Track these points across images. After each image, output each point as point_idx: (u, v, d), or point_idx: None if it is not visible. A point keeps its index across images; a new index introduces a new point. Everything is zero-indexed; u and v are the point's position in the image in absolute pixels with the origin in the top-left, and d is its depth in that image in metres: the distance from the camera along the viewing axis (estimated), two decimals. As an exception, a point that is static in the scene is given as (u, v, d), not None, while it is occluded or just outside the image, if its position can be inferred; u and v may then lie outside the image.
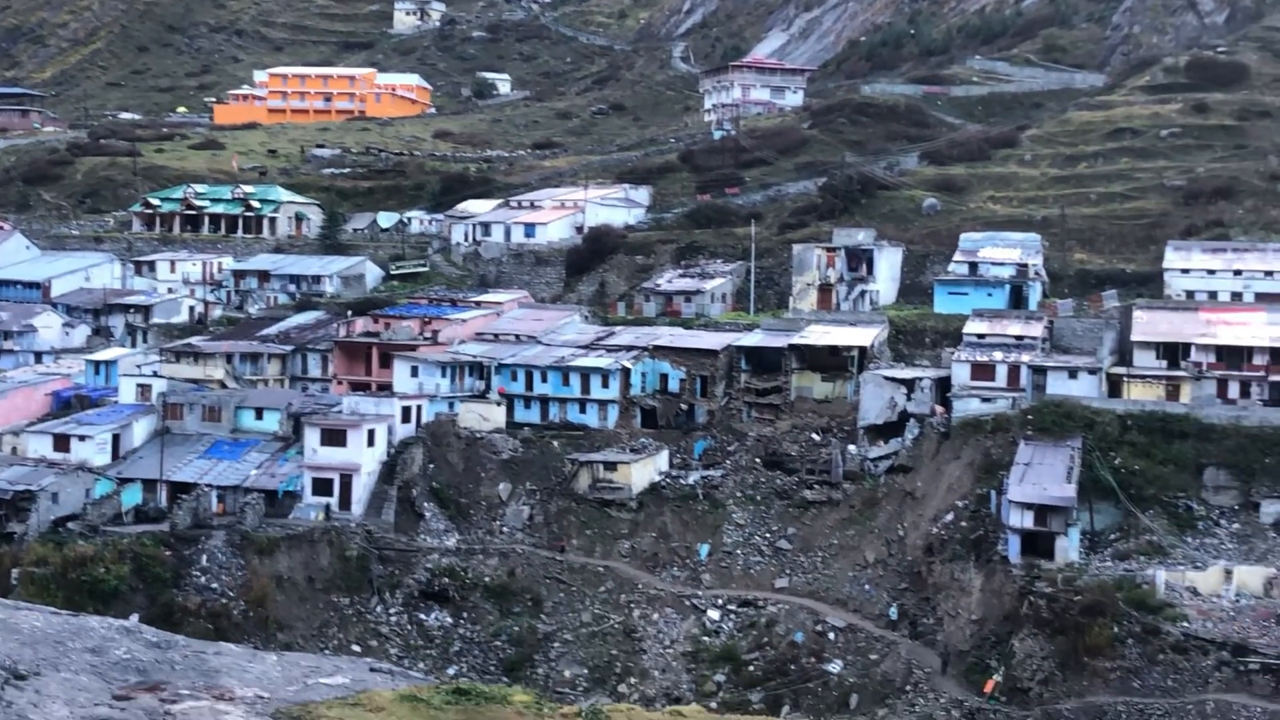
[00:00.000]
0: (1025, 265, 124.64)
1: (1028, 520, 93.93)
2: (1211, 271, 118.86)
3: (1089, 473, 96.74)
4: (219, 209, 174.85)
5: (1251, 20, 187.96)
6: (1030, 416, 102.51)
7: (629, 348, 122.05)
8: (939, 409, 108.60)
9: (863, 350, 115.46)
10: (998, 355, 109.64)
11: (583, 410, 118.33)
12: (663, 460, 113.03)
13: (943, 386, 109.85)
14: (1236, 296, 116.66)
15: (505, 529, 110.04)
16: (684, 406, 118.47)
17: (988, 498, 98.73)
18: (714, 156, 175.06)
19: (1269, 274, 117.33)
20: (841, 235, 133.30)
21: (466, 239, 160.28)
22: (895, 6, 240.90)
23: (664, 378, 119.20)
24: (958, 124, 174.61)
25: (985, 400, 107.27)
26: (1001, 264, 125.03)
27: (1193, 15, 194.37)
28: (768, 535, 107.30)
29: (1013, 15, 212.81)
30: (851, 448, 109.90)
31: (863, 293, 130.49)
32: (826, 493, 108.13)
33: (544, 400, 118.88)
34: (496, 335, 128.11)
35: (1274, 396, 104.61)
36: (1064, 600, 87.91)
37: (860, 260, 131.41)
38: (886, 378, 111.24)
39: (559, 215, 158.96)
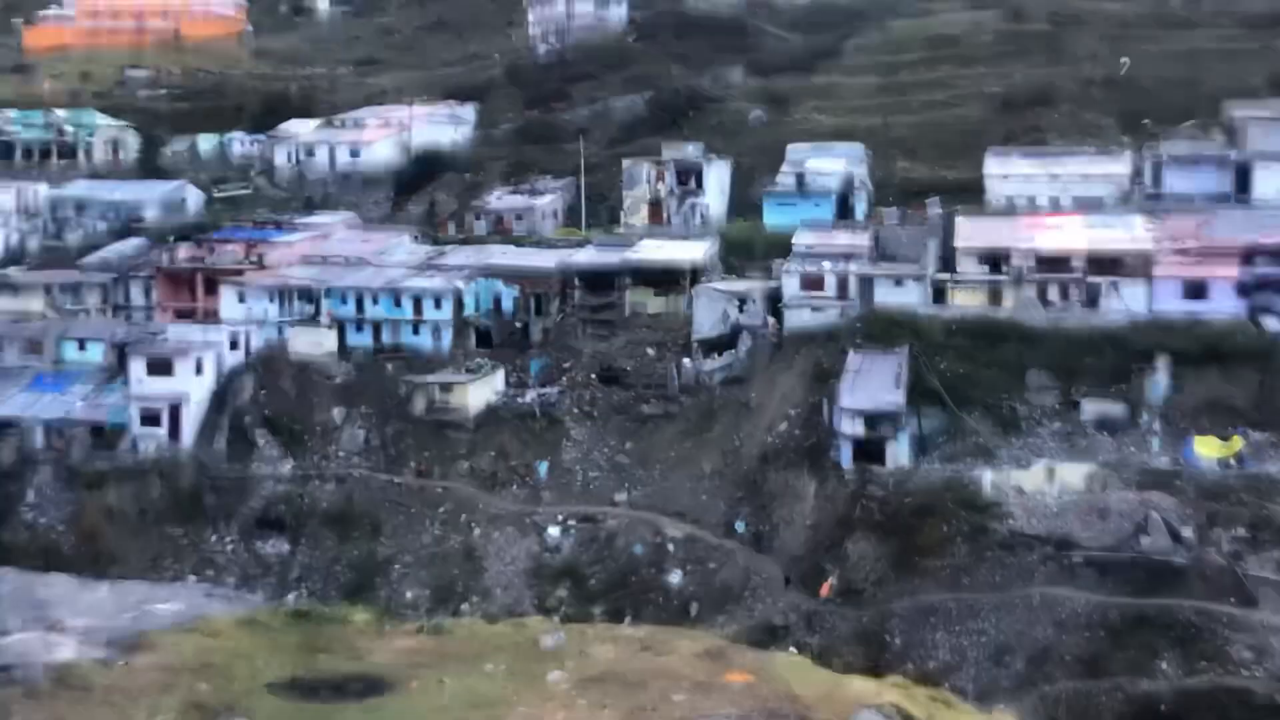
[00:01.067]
0: (851, 176, 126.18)
1: (859, 427, 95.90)
2: (1030, 177, 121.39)
3: (917, 378, 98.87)
4: (31, 135, 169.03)
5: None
6: (859, 325, 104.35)
7: (461, 268, 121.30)
8: (771, 321, 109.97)
9: (694, 265, 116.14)
10: (826, 265, 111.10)
11: (416, 332, 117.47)
12: (499, 380, 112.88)
13: (774, 298, 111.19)
14: (1054, 201, 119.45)
15: (341, 454, 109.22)
16: (519, 325, 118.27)
17: (820, 406, 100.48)
18: (540, 72, 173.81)
19: (1085, 178, 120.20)
20: (670, 150, 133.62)
21: (290, 161, 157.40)
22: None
23: (498, 297, 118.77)
24: (782, 36, 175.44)
25: (815, 311, 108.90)
26: (828, 175, 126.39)
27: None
28: (606, 451, 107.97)
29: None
30: (686, 361, 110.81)
31: (693, 207, 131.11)
32: (663, 407, 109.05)
33: (376, 324, 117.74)
34: (325, 258, 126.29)
35: (1091, 298, 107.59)
36: (895, 503, 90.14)
37: (690, 175, 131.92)
38: (719, 291, 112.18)
39: (384, 134, 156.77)
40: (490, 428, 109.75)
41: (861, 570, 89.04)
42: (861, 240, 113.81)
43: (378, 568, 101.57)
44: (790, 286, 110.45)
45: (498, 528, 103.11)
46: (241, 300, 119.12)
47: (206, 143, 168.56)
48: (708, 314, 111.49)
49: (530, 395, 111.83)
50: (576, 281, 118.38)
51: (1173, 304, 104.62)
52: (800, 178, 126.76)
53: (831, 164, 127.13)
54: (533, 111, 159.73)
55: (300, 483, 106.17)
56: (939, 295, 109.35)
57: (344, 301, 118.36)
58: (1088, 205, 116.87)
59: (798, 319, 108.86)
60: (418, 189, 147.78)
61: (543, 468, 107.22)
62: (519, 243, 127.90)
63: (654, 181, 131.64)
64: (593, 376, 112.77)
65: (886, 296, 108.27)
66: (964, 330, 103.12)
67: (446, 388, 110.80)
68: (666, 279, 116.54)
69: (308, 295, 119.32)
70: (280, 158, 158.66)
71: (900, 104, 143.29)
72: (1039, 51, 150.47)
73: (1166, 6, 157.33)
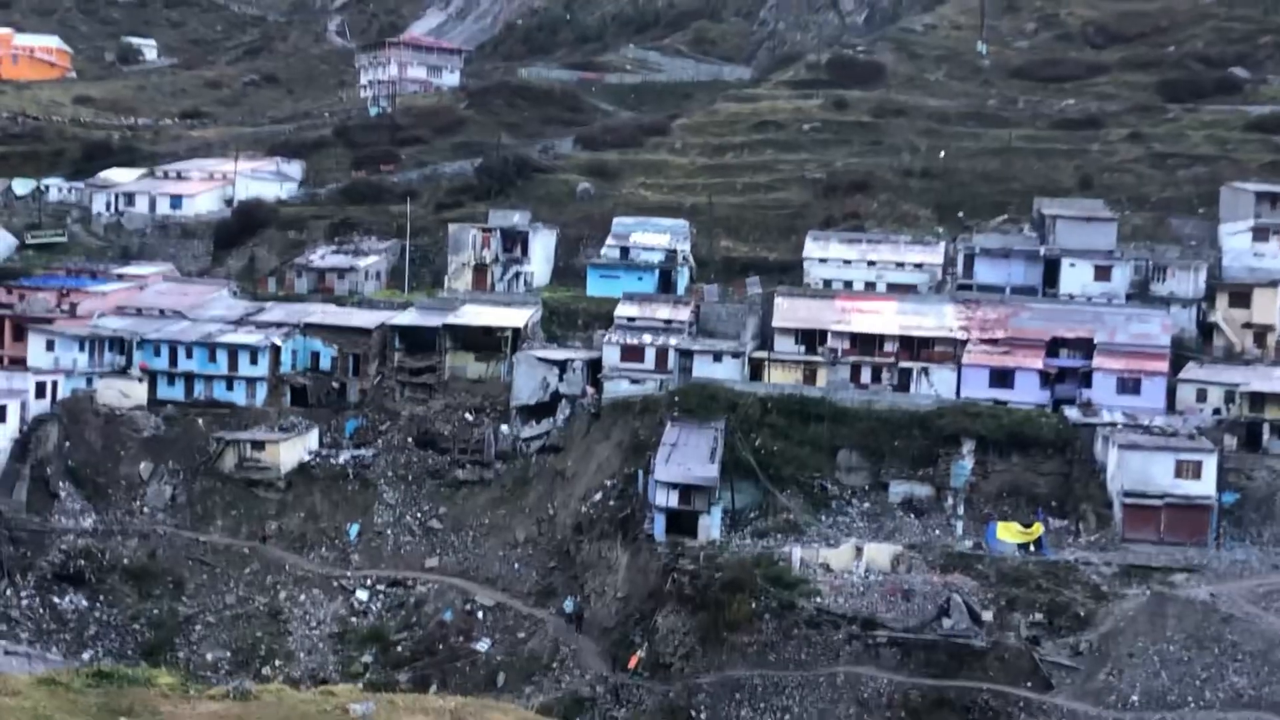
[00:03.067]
0: (674, 251, 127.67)
1: (673, 499, 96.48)
2: (848, 261, 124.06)
3: (731, 453, 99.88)
4: None
5: (889, 22, 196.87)
6: (677, 398, 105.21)
7: (280, 324, 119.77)
8: (590, 390, 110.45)
9: (516, 331, 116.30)
10: (647, 338, 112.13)
11: (230, 388, 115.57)
12: (312, 439, 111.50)
13: (594, 368, 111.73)
14: (870, 286, 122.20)
15: (146, 509, 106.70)
16: (336, 385, 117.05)
17: (635, 477, 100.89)
18: (370, 133, 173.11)
19: (900, 265, 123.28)
20: (497, 216, 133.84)
21: (109, 209, 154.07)
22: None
23: (315, 355, 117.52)
24: (612, 110, 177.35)
25: (634, 382, 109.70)
26: (652, 249, 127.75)
27: (834, 14, 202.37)
28: (419, 515, 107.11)
29: (665, 7, 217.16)
30: (504, 427, 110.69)
31: (517, 274, 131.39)
32: (479, 472, 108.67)
33: (189, 377, 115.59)
34: (140, 310, 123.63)
35: (903, 382, 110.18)
36: (705, 577, 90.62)
37: (515, 241, 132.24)
38: (539, 358, 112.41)
39: (207, 187, 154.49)
40: (301, 487, 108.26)
41: (670, 643, 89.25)
42: (682, 314, 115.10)
43: (178, 627, 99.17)
44: (611, 357, 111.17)
45: (304, 590, 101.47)
46: (50, 348, 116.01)
47: (22, 187, 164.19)
48: (528, 381, 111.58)
49: (344, 456, 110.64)
50: (397, 342, 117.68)
51: (980, 391, 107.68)
52: (625, 250, 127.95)
53: (656, 238, 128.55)
54: (361, 171, 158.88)
55: (102, 537, 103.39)
56: (756, 372, 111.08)
57: (157, 353, 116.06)
58: (902, 291, 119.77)
59: (617, 389, 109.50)
60: (239, 243, 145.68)
61: (353, 530, 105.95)
62: (340, 302, 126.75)
63: (480, 247, 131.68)
64: (409, 439, 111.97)
65: (705, 371, 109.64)
66: (779, 407, 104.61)
67: (258, 445, 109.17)
68: (488, 344, 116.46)
69: (120, 346, 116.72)
70: (99, 205, 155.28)
71: (725, 184, 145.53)
72: (861, 140, 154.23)
73: (983, 104, 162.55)
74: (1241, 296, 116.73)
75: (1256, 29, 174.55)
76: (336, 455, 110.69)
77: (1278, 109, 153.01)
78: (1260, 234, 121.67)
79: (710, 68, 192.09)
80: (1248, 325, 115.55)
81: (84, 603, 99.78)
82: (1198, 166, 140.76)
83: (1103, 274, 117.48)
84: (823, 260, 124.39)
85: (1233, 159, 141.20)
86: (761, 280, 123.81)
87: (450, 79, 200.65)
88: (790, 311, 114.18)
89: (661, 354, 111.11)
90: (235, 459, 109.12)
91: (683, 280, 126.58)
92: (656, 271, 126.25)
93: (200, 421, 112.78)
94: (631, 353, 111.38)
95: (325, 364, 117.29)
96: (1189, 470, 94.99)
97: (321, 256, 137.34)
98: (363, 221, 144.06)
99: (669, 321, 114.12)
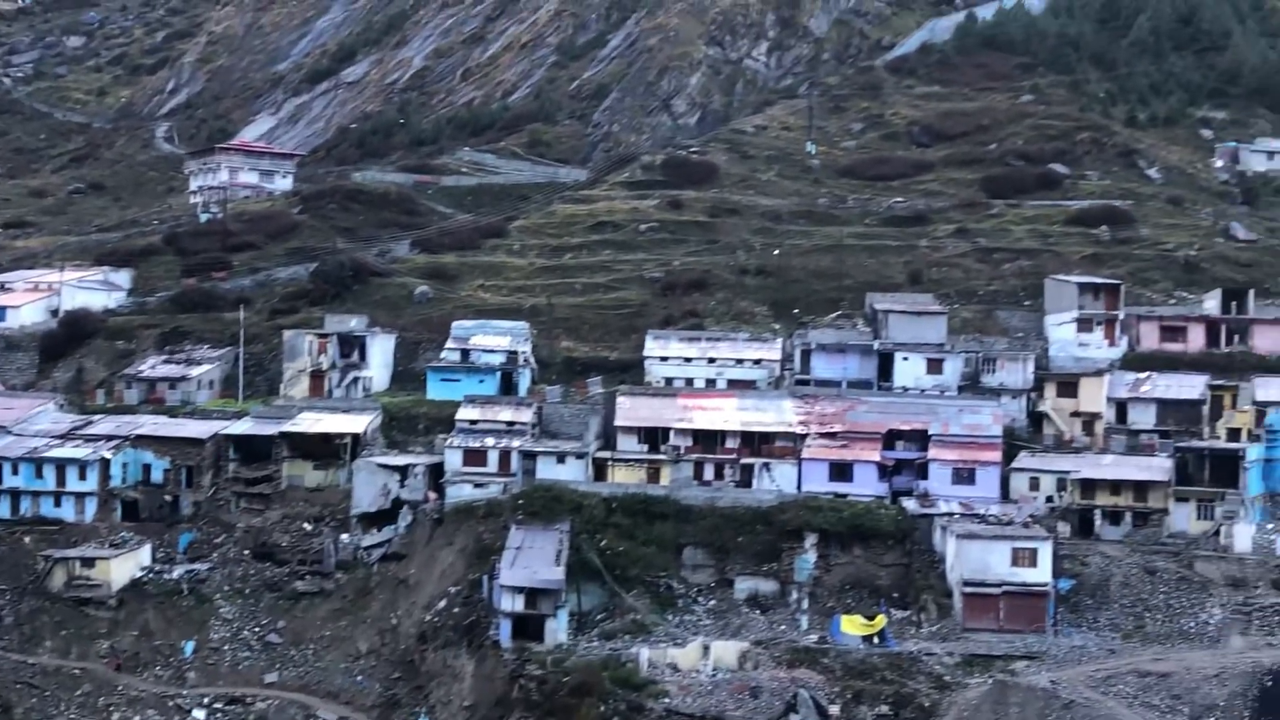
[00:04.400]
0: (515, 353, 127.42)
1: (518, 604, 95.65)
2: (688, 359, 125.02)
3: (577, 555, 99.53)
4: None
5: (720, 123, 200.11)
6: (521, 501, 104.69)
7: (109, 437, 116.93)
8: (432, 495, 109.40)
9: (355, 437, 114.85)
10: (489, 441, 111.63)
11: (58, 504, 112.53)
12: (145, 555, 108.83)
13: (436, 473, 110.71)
14: (711, 383, 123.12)
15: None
16: (168, 498, 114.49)
17: (480, 583, 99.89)
18: (201, 240, 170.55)
19: (739, 361, 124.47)
20: (334, 321, 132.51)
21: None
22: (385, 95, 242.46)
23: (147, 468, 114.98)
24: (448, 213, 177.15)
25: (478, 486, 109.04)
26: (492, 351, 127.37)
27: (667, 116, 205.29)
28: (257, 629, 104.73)
29: (500, 110, 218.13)
30: (344, 536, 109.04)
31: (356, 379, 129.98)
32: (318, 583, 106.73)
33: (15, 494, 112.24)
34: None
35: (745, 478, 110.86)
36: (553, 682, 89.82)
37: (353, 346, 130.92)
38: (380, 465, 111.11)
39: (32, 298, 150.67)
40: (134, 605, 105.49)
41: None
42: (525, 416, 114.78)
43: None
44: (453, 461, 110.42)
45: (138, 711, 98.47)
46: None
47: None
48: (368, 488, 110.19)
49: (178, 571, 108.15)
50: (232, 453, 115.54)
51: (820, 484, 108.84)
52: (465, 353, 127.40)
53: (496, 340, 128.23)
54: (191, 279, 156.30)
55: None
56: (600, 472, 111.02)
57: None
58: (742, 387, 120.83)
59: (460, 494, 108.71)
60: (66, 355, 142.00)
61: (189, 647, 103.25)
62: (172, 412, 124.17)
63: (316, 353, 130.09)
64: (245, 551, 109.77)
65: (549, 472, 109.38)
66: (624, 507, 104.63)
67: (88, 562, 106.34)
68: (326, 451, 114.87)
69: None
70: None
71: (564, 284, 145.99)
72: (697, 240, 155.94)
73: (814, 202, 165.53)
74: (1069, 386, 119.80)
75: (1073, 127, 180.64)
76: (170, 570, 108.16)
77: (1096, 203, 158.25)
78: (1084, 325, 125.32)
79: (546, 169, 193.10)
80: (1076, 414, 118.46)
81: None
82: (1022, 260, 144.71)
83: (935, 366, 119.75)
84: (663, 359, 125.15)
85: (1055, 252, 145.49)
86: (603, 380, 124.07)
87: (283, 184, 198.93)
88: (632, 410, 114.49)
89: (504, 457, 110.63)
90: (65, 577, 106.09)
91: (524, 382, 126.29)
92: (497, 374, 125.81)
93: (27, 539, 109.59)
94: (474, 456, 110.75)
95: (157, 477, 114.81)
96: (1025, 558, 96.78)
97: (152, 366, 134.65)
98: (194, 330, 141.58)
99: (511, 424, 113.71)
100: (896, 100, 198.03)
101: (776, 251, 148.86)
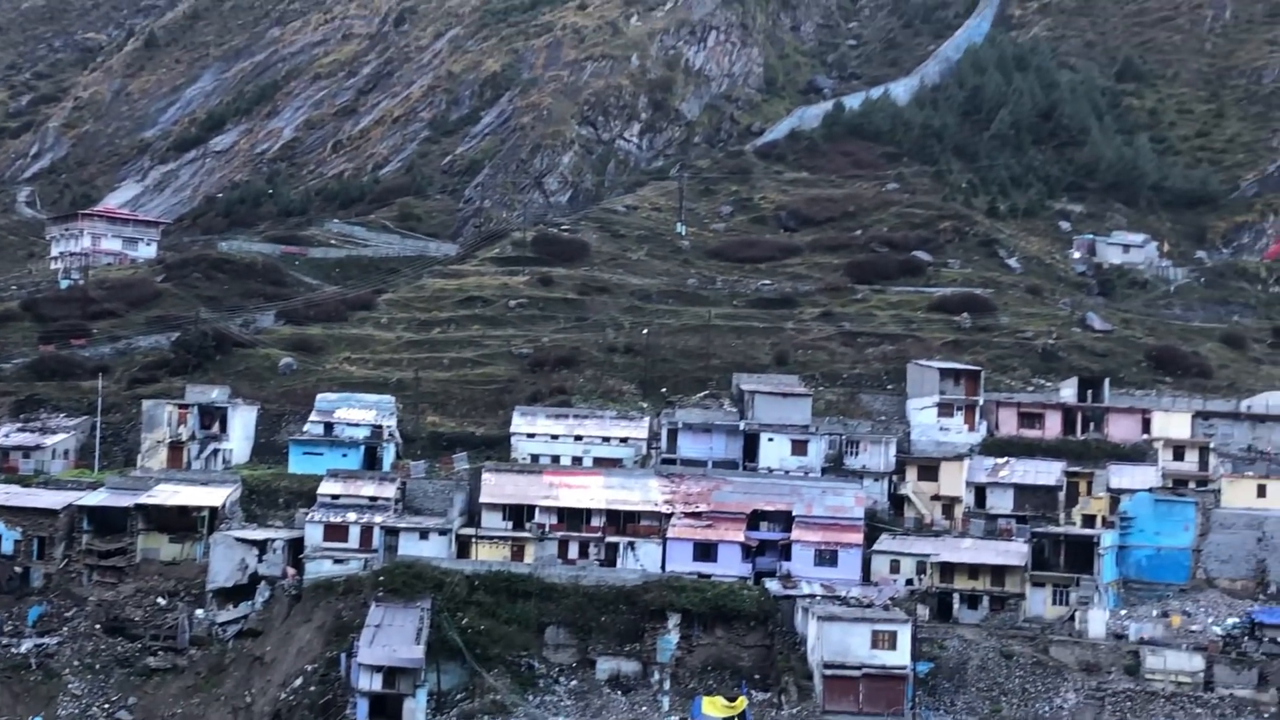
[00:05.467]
0: (380, 427, 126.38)
1: (377, 683, 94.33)
2: (555, 436, 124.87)
3: (438, 633, 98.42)
4: None
5: (592, 202, 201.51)
6: (382, 578, 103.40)
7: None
8: (291, 571, 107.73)
9: (214, 510, 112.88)
10: (351, 516, 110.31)
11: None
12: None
13: (295, 548, 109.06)
14: (577, 460, 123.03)
15: None
16: (18, 569, 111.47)
17: (338, 661, 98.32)
18: (60, 306, 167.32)
19: (606, 440, 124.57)
20: (195, 392, 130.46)
21: None
22: (254, 165, 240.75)
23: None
24: (316, 285, 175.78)
25: (338, 562, 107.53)
26: (357, 425, 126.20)
27: (539, 194, 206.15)
28: (107, 705, 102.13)
29: (370, 182, 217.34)
30: (199, 612, 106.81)
31: (215, 451, 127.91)
32: (171, 660, 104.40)
33: None
34: None
35: (609, 557, 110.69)
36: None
37: (214, 418, 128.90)
38: (237, 539, 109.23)
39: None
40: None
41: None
42: (388, 491, 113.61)
43: None
44: (313, 536, 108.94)
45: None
46: None
47: None
48: (225, 562, 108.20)
49: (26, 645, 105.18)
50: (85, 524, 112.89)
51: (685, 564, 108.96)
52: (329, 426, 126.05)
53: (361, 414, 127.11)
54: (49, 346, 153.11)
55: None
56: (463, 549, 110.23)
57: None
58: (608, 465, 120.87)
59: (319, 569, 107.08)
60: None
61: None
62: (25, 482, 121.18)
63: (175, 424, 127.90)
64: (97, 626, 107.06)
65: (411, 549, 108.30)
66: (486, 585, 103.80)
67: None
68: (183, 524, 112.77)
69: None
70: None
71: (432, 359, 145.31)
72: (566, 317, 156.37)
73: (684, 283, 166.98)
74: (929, 470, 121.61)
75: (936, 215, 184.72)
76: (18, 644, 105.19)
77: (958, 290, 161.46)
78: (945, 409, 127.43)
79: (416, 243, 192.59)
80: (936, 497, 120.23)
81: None
82: (886, 345, 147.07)
83: (799, 448, 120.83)
84: (530, 435, 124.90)
85: (918, 337, 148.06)
86: (469, 456, 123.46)
87: (147, 251, 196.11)
88: (498, 487, 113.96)
89: (366, 532, 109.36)
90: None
91: (388, 457, 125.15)
92: (361, 448, 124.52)
93: None
94: (335, 531, 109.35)
95: (7, 547, 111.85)
96: (885, 641, 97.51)
97: (5, 435, 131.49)
98: (51, 398, 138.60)
99: (374, 499, 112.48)
100: (765, 184, 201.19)
101: (645, 330, 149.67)
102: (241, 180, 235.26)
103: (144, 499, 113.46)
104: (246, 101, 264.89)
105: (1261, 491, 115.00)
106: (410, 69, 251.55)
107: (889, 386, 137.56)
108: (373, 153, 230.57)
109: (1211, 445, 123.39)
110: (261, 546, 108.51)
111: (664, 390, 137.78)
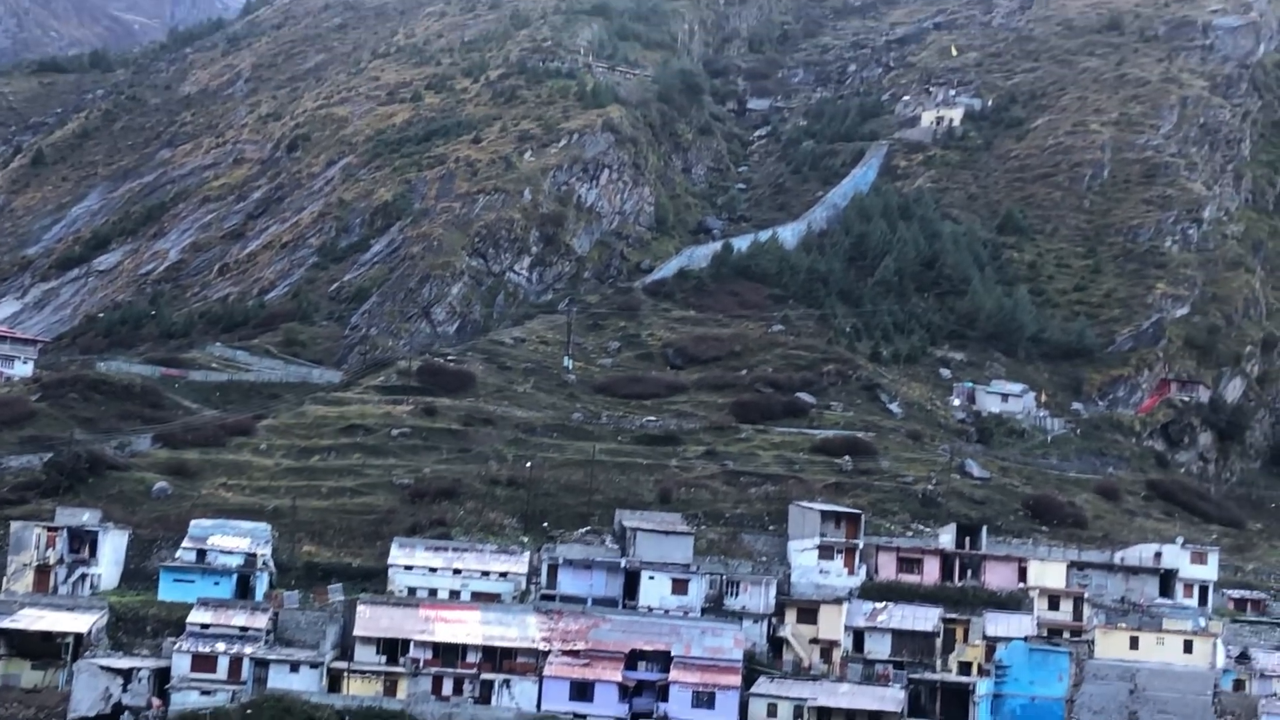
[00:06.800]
0: (254, 555, 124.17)
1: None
2: (433, 569, 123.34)
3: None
4: None
5: (479, 333, 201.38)
6: (250, 711, 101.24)
7: None
8: (156, 702, 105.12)
9: (79, 637, 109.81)
10: (220, 646, 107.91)
11: None
12: None
13: (162, 678, 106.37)
14: (455, 594, 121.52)
15: None
16: None
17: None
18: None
19: (485, 574, 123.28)
20: (65, 514, 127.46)
21: None
22: (138, 286, 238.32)
23: None
24: (195, 408, 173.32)
25: (205, 693, 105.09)
26: (230, 553, 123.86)
27: (426, 323, 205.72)
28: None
29: (255, 306, 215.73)
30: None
31: (84, 576, 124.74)
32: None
33: None
34: None
35: (484, 694, 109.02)
36: None
37: (83, 542, 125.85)
38: (102, 667, 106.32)
39: None
40: None
41: None
42: (259, 621, 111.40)
43: None
44: (180, 666, 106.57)
45: None
46: None
47: None
48: (88, 691, 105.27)
49: None
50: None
51: (561, 704, 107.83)
52: (202, 553, 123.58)
53: (235, 541, 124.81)
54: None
55: None
56: (335, 683, 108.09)
57: None
58: (487, 600, 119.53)
59: (185, 700, 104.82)
60: None
61: None
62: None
63: (44, 546, 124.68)
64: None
65: (281, 681, 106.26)
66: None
67: None
68: (46, 650, 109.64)
69: None
70: None
71: (310, 487, 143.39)
72: (449, 448, 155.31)
73: (569, 417, 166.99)
74: (809, 612, 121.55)
75: (820, 358, 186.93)
76: None
77: (840, 433, 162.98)
78: (825, 552, 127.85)
79: (299, 369, 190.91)
80: (815, 640, 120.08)
81: None
82: (768, 485, 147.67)
83: (680, 587, 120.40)
84: (408, 567, 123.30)
85: (800, 479, 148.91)
86: (344, 587, 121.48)
87: (23, 369, 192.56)
88: (372, 620, 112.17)
89: (235, 664, 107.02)
90: None
91: (262, 586, 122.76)
92: (234, 576, 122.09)
93: None
94: (203, 662, 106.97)
95: None
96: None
97: None
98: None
99: (245, 629, 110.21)
100: (653, 322, 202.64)
101: (529, 464, 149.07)
102: (124, 300, 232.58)
103: (6, 623, 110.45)
104: (133, 222, 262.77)
105: (1134, 643, 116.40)
106: (301, 195, 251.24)
107: (771, 527, 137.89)
108: (259, 277, 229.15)
109: (1086, 596, 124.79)
110: (127, 675, 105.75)
111: (545, 525, 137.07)
